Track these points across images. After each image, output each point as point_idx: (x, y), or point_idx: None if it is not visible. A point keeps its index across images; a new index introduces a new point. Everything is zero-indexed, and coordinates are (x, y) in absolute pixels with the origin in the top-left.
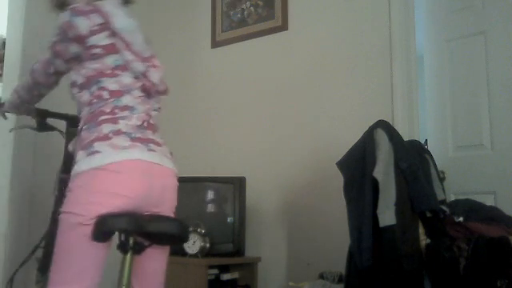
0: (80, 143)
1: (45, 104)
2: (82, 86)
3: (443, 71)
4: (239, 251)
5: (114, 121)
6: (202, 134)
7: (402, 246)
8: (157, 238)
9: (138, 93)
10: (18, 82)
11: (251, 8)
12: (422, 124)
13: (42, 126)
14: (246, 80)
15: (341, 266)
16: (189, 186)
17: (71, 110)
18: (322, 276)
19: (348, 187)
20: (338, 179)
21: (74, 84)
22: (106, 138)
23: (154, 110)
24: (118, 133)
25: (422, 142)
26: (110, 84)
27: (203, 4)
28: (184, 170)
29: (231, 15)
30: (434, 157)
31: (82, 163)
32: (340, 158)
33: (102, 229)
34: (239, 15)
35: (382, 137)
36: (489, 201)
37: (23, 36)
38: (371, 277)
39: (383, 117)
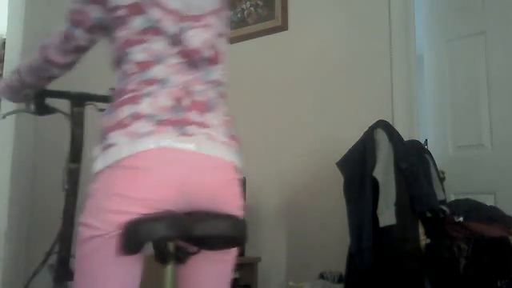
0: (99, 135)
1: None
2: (115, 63)
3: (443, 71)
4: (239, 251)
5: (135, 100)
6: None
7: (401, 246)
8: (205, 242)
9: (174, 60)
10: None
11: (251, 8)
12: (422, 124)
13: (42, 109)
14: (245, 80)
15: (341, 266)
16: None
17: (75, 88)
18: (322, 276)
19: (348, 187)
20: (338, 179)
21: (111, 63)
22: (122, 125)
23: (205, 84)
24: (137, 116)
25: (422, 142)
26: (138, 54)
27: None
28: None
29: (231, 15)
30: (434, 157)
31: (98, 160)
32: (340, 158)
33: (134, 240)
34: (239, 15)
35: (382, 137)
36: (489, 201)
37: (23, 36)
38: (371, 277)
39: (383, 117)
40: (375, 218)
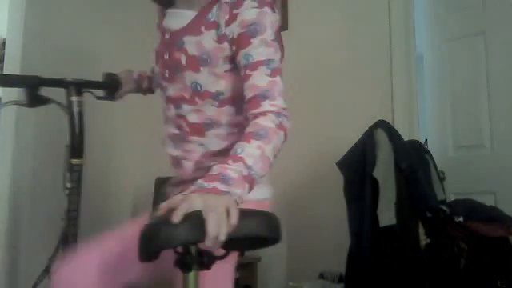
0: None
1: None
2: (234, 98)
3: (443, 71)
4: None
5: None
6: None
7: (401, 246)
8: (234, 244)
9: None
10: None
11: None
12: (422, 124)
13: (34, 99)
14: None
15: (341, 266)
16: None
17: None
18: (322, 276)
19: (348, 187)
20: (338, 179)
21: (226, 94)
22: None
23: None
24: None
25: (422, 142)
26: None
27: None
28: None
29: None
30: (433, 157)
31: (265, 190)
32: (340, 158)
33: (150, 247)
34: None
35: (382, 137)
36: (489, 201)
37: (23, 36)
38: (371, 277)
39: (383, 117)
40: (375, 218)
